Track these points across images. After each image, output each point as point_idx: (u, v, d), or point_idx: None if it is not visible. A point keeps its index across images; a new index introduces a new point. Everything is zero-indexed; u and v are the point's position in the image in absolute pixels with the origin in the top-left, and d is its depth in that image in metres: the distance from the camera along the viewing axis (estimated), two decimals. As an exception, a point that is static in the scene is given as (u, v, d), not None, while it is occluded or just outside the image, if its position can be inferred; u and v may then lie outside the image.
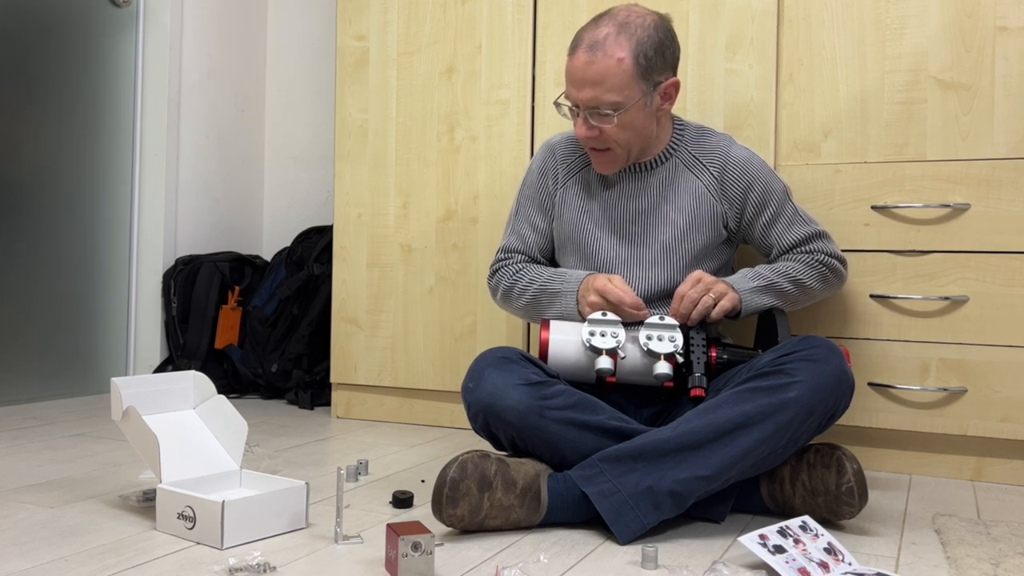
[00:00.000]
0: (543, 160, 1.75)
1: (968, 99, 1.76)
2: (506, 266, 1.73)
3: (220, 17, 2.96)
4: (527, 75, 2.11)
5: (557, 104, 1.60)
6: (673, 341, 1.46)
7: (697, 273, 1.52)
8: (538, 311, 1.65)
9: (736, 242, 1.73)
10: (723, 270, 1.69)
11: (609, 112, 1.52)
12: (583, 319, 1.55)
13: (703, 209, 1.64)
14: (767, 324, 1.57)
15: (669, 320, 1.48)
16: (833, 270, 1.66)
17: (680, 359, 1.46)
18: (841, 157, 1.84)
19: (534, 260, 1.74)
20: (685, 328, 1.50)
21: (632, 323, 1.52)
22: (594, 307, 1.52)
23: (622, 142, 1.57)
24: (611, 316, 1.49)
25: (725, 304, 1.50)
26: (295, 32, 3.12)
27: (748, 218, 1.66)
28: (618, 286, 1.52)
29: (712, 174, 1.65)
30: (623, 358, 1.47)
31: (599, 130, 1.55)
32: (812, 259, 1.64)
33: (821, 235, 1.67)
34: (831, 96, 1.85)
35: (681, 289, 1.51)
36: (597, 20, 1.55)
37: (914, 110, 1.79)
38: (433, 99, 2.21)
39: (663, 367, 1.44)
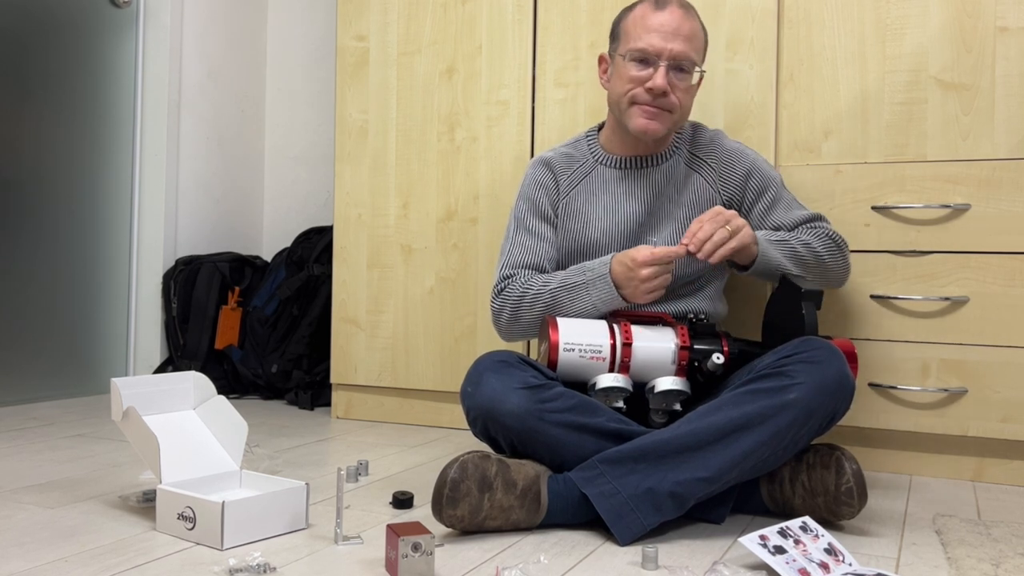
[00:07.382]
0: (541, 174, 1.71)
1: (968, 99, 1.75)
2: (513, 282, 1.62)
3: (220, 17, 2.96)
4: (527, 75, 2.10)
5: (612, 56, 1.62)
6: (679, 410, 1.46)
7: (717, 207, 1.50)
8: (560, 314, 1.55)
9: None
10: (719, 267, 1.69)
11: (687, 72, 1.57)
12: (630, 304, 1.53)
13: (703, 203, 1.65)
14: (774, 321, 1.56)
15: (679, 386, 1.45)
16: (839, 247, 1.66)
17: (680, 408, 1.47)
18: (841, 157, 1.84)
19: (542, 271, 1.65)
20: (692, 378, 1.48)
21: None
22: (648, 280, 1.47)
23: (684, 107, 1.61)
24: (621, 381, 1.44)
25: (734, 244, 1.47)
26: (295, 32, 3.11)
27: (748, 204, 1.69)
28: (658, 251, 1.47)
29: (710, 166, 1.68)
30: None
31: (673, 86, 1.57)
32: (820, 232, 1.66)
33: (821, 217, 1.71)
34: (831, 96, 1.85)
35: (701, 217, 1.49)
36: None
37: (914, 110, 1.79)
38: (433, 99, 2.21)
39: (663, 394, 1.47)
